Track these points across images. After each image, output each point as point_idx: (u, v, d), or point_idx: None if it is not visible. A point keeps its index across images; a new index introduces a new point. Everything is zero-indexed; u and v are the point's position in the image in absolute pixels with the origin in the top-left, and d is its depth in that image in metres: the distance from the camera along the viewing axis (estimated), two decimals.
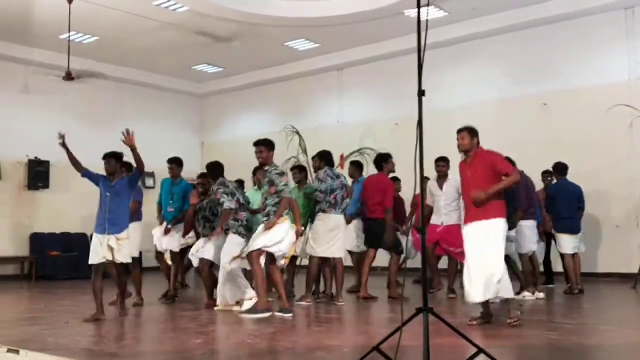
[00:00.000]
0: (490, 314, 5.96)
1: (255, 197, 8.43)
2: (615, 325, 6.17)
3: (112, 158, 7.02)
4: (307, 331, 6.28)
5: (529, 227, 8.24)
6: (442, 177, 8.46)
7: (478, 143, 6.04)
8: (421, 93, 3.53)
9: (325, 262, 8.14)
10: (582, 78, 11.27)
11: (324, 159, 8.25)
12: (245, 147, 15.65)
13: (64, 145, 6.82)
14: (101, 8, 11.16)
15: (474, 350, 3.56)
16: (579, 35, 11.36)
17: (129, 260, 7.08)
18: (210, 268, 7.82)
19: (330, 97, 14.73)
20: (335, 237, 7.88)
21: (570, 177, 9.21)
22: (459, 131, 6.01)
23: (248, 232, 7.42)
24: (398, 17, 11.77)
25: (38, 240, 13.45)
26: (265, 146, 7.05)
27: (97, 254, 6.69)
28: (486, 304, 5.89)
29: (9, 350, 4.98)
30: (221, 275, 7.45)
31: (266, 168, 7.10)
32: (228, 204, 7.42)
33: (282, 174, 6.95)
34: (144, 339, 6.09)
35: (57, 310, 7.96)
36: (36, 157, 13.39)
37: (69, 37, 11.12)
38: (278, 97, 15.49)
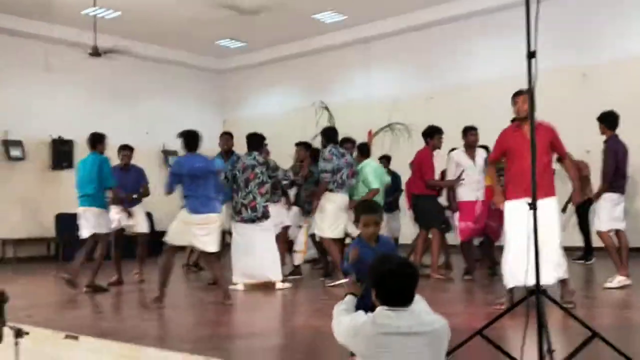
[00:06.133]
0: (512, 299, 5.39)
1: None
2: None
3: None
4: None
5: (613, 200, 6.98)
6: (472, 148, 7.83)
7: None
8: (531, 54, 3.22)
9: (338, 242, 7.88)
10: (625, 48, 10.81)
11: (327, 136, 7.99)
12: (268, 123, 15.60)
13: None
14: None
15: (586, 332, 3.28)
16: (621, 4, 10.90)
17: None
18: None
19: (357, 71, 14.30)
20: (342, 216, 7.68)
21: None
22: (519, 93, 5.49)
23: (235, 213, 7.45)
24: None
25: (64, 221, 13.14)
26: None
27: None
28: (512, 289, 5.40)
29: (66, 336, 4.75)
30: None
31: None
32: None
33: None
34: (208, 323, 5.81)
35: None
36: (59, 137, 13.10)
37: (95, 11, 10.79)
38: (303, 72, 15.06)
